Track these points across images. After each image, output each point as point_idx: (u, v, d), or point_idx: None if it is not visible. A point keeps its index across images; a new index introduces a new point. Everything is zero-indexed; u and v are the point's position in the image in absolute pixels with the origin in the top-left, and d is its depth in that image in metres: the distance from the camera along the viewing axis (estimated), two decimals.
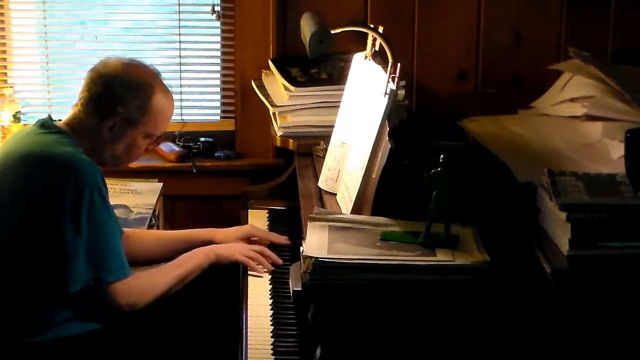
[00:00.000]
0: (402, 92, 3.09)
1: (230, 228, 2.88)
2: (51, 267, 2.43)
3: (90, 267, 2.43)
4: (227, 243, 2.78)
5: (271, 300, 2.52)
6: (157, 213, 3.20)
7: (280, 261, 2.67)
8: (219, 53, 3.54)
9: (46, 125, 2.61)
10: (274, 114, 3.16)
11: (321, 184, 2.72)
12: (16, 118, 3.43)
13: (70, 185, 2.43)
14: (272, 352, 2.29)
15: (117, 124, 2.58)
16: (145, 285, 2.54)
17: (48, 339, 2.45)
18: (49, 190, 2.44)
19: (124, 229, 2.75)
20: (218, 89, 3.58)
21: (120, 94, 2.57)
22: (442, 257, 2.07)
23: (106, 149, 2.61)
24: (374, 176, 2.37)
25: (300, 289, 2.07)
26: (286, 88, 3.14)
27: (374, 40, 2.72)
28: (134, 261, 2.69)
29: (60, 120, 2.65)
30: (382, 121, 2.41)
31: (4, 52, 3.52)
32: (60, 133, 2.58)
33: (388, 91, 2.43)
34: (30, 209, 2.46)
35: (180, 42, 3.53)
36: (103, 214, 2.47)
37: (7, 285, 2.47)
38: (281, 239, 2.82)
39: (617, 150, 2.46)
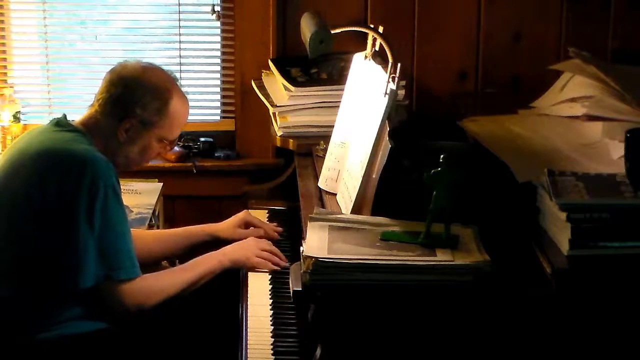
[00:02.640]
0: (402, 92, 3.09)
1: (227, 220, 2.88)
2: (63, 262, 2.44)
3: (102, 264, 2.44)
4: (231, 236, 2.79)
5: (271, 300, 2.51)
6: (157, 213, 3.20)
7: (286, 263, 2.67)
8: (219, 53, 3.54)
9: (61, 123, 2.61)
10: (274, 114, 3.16)
11: (321, 184, 2.72)
12: (16, 118, 3.43)
13: (85, 182, 2.43)
14: (272, 352, 2.29)
15: (134, 126, 2.58)
16: (153, 287, 2.53)
17: (54, 336, 2.46)
18: (64, 186, 2.44)
19: None
20: (218, 89, 3.58)
21: (140, 96, 2.58)
22: (442, 257, 2.07)
23: (120, 150, 2.61)
24: (374, 176, 2.37)
25: (300, 289, 2.07)
26: (286, 88, 3.14)
27: (374, 40, 2.72)
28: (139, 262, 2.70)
29: (74, 120, 2.65)
30: (382, 121, 2.41)
31: (4, 52, 3.51)
32: (76, 132, 2.58)
33: (388, 91, 2.43)
34: (44, 204, 2.46)
35: (180, 42, 3.53)
36: (117, 212, 2.48)
37: (18, 281, 2.47)
38: (274, 234, 2.84)
39: (617, 150, 2.46)
